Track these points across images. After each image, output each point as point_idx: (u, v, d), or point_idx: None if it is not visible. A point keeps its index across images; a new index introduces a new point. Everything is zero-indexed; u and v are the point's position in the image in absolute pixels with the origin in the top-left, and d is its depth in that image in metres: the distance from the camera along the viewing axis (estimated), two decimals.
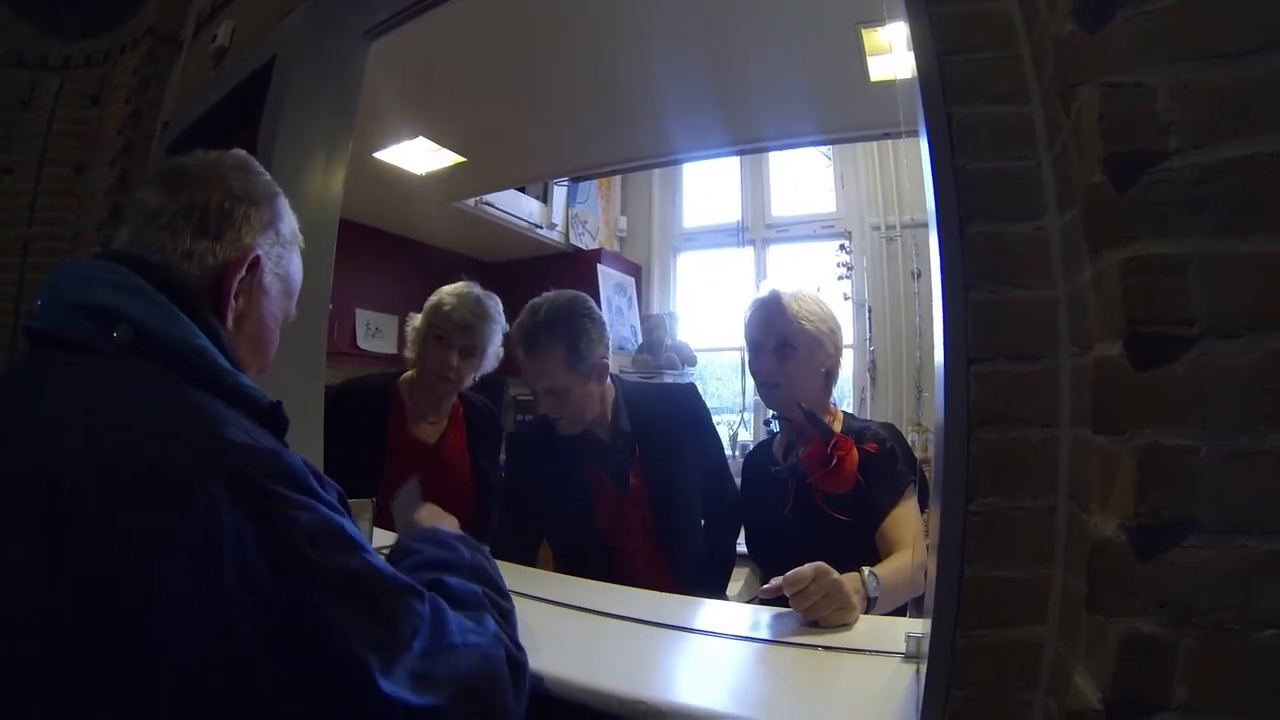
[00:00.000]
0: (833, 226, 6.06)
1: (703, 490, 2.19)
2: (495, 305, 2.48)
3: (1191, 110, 0.68)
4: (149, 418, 0.77)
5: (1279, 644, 0.62)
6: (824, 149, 6.01)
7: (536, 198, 5.99)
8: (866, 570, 1.51)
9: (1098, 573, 0.71)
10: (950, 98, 0.94)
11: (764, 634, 1.39)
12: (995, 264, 0.88)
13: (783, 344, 1.96)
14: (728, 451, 2.52)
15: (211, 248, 0.93)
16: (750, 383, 2.09)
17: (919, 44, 0.98)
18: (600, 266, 6.24)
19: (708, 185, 7.00)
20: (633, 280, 6.71)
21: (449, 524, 1.73)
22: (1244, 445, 0.64)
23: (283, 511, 0.74)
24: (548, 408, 2.05)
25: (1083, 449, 0.78)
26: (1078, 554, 0.76)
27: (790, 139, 4.12)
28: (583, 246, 6.45)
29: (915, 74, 0.99)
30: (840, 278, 5.66)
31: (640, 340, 6.01)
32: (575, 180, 6.11)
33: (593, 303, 2.10)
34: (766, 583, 1.44)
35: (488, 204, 5.37)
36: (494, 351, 2.49)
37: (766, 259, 6.45)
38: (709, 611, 1.58)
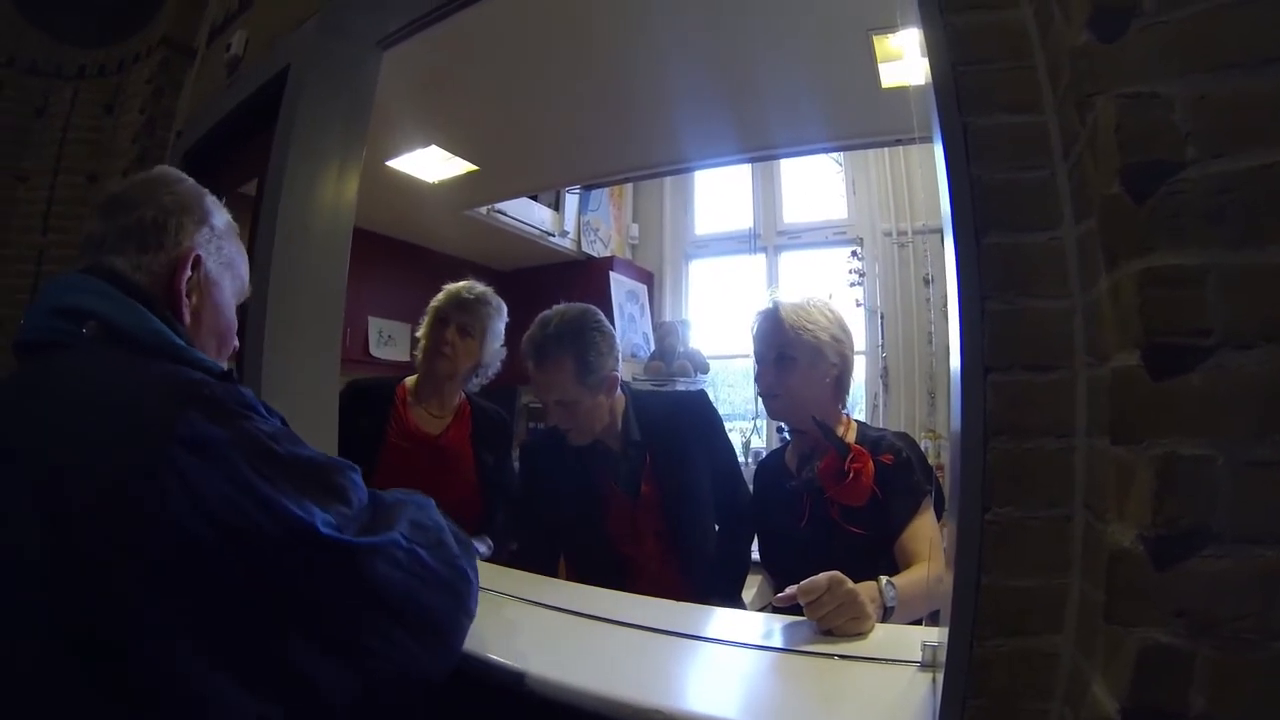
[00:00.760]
0: (844, 233, 6.05)
1: (715, 497, 2.19)
2: (495, 297, 2.54)
3: (1209, 120, 0.68)
4: (121, 384, 0.88)
5: None
6: (835, 155, 6.00)
7: (548, 206, 6.00)
8: (884, 579, 1.51)
9: (1115, 582, 0.71)
10: (965, 107, 0.94)
11: (778, 642, 1.38)
12: (1011, 274, 0.88)
13: (781, 356, 1.96)
14: (740, 458, 2.52)
15: (155, 258, 1.05)
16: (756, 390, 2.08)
17: (934, 54, 0.98)
18: (612, 274, 6.24)
19: (719, 192, 7.00)
20: (645, 288, 6.71)
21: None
22: (1261, 455, 0.64)
23: (249, 421, 0.88)
24: (557, 419, 2.10)
25: (1099, 459, 0.78)
26: (1095, 564, 0.76)
27: (802, 146, 4.11)
28: (594, 254, 6.46)
29: (930, 83, 0.99)
30: (852, 284, 5.65)
31: (652, 348, 6.01)
32: (587, 188, 6.12)
33: (602, 316, 2.14)
34: (780, 592, 1.43)
35: (500, 212, 5.39)
36: (494, 340, 2.53)
37: (778, 266, 6.44)
38: (723, 620, 1.58)
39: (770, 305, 2.01)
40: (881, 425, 2.27)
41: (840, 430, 1.91)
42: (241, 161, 2.79)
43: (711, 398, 2.44)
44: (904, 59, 2.81)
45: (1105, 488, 0.75)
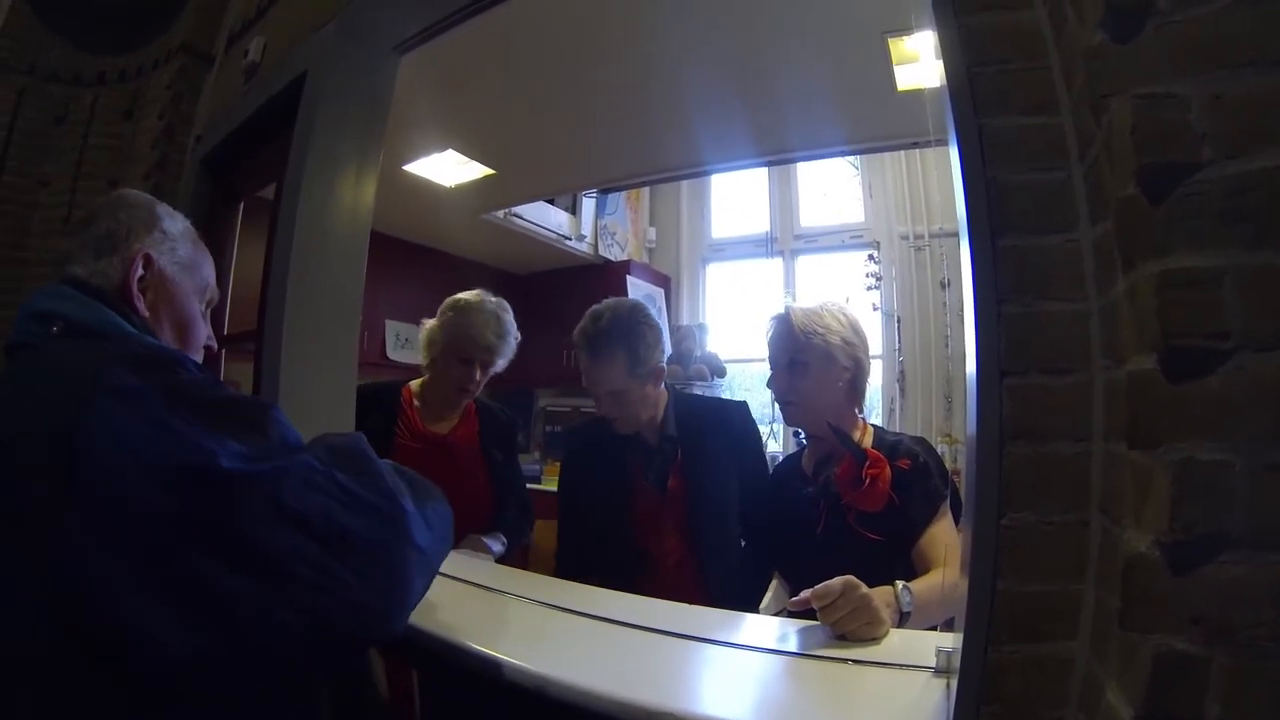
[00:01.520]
0: (861, 236, 6.05)
1: (742, 507, 2.20)
2: (510, 317, 2.53)
3: (1225, 121, 0.68)
4: (72, 361, 0.98)
5: None
6: (851, 159, 6.00)
7: (565, 209, 6.02)
8: (900, 584, 1.50)
9: (1131, 588, 0.70)
10: (981, 109, 0.94)
11: (792, 646, 1.38)
12: (1027, 277, 0.88)
13: (793, 361, 1.97)
14: None
15: (109, 261, 1.16)
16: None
17: (948, 55, 0.98)
18: (629, 278, 6.26)
19: (736, 196, 7.02)
20: (662, 291, 6.72)
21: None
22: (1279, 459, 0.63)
23: (173, 374, 0.96)
24: (607, 408, 2.19)
25: (1116, 463, 0.77)
26: (1110, 569, 0.76)
27: (818, 149, 4.12)
28: (611, 258, 6.47)
29: (945, 85, 0.99)
30: (869, 288, 5.65)
31: (669, 351, 6.00)
32: (604, 192, 6.14)
33: (651, 311, 2.23)
34: (796, 596, 1.43)
35: (516, 216, 5.41)
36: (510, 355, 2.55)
37: (795, 269, 6.45)
38: (736, 623, 1.57)
39: (783, 311, 2.01)
40: (898, 429, 2.25)
41: (857, 435, 1.90)
42: (260, 166, 2.81)
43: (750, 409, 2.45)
44: (919, 61, 2.80)
45: (1122, 492, 0.74)
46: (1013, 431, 0.86)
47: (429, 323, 2.52)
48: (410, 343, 5.59)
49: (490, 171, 4.33)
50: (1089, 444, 0.84)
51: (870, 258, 5.77)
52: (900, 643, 1.36)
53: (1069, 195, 0.89)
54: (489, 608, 1.64)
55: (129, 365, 0.92)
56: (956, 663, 0.96)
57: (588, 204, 6.25)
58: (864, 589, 1.39)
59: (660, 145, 4.04)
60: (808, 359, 1.93)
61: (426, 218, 5.18)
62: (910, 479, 1.79)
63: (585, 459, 2.37)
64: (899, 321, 5.60)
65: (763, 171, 6.58)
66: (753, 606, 2.14)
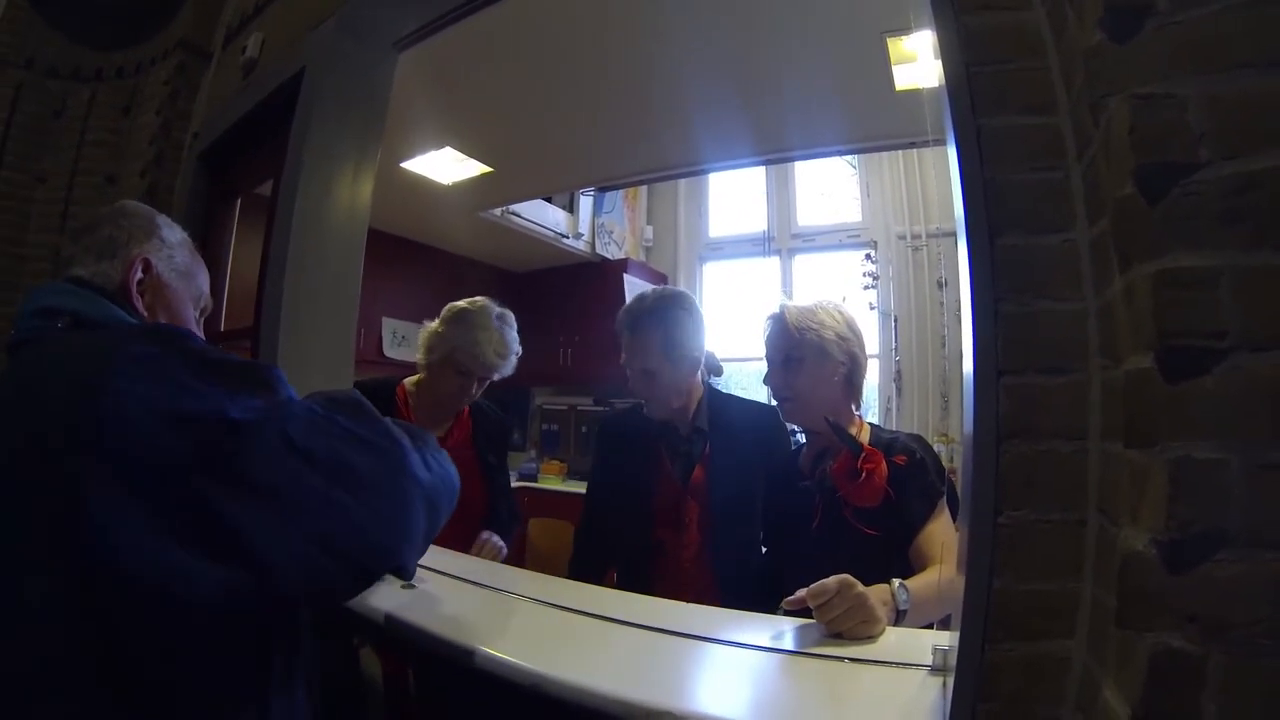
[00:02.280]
0: (858, 236, 6.05)
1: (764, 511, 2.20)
2: (514, 333, 2.50)
3: (1223, 121, 0.68)
4: (92, 341, 1.04)
5: None
6: (849, 158, 6.00)
7: (563, 208, 6.02)
8: (897, 582, 1.50)
9: (1127, 587, 0.70)
10: (979, 109, 0.94)
11: (788, 645, 1.38)
12: (1025, 276, 0.88)
13: (788, 358, 1.97)
14: None
15: (111, 264, 1.22)
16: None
17: (947, 55, 0.98)
18: (626, 276, 6.26)
19: (733, 195, 7.01)
20: None
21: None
22: (1276, 458, 0.63)
23: (183, 341, 1.02)
24: (638, 386, 2.24)
25: (1113, 462, 0.78)
26: (1107, 568, 0.76)
27: (815, 148, 4.12)
28: (609, 256, 6.47)
29: (943, 85, 0.99)
30: (866, 287, 5.65)
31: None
32: (601, 190, 6.14)
33: (695, 302, 2.31)
34: (792, 595, 1.43)
35: (514, 214, 5.41)
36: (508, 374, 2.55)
37: (792, 269, 6.45)
38: (733, 622, 1.57)
39: (777, 309, 2.02)
40: (895, 429, 2.26)
41: (853, 431, 1.90)
42: (257, 163, 2.81)
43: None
44: (918, 61, 2.81)
45: (1118, 491, 0.75)
46: (1009, 430, 0.86)
47: (431, 325, 2.48)
48: (407, 340, 5.59)
49: (488, 169, 4.33)
50: (1086, 443, 0.84)
51: (867, 257, 5.77)
52: (896, 641, 1.36)
53: (1066, 195, 0.89)
54: (487, 605, 1.64)
55: (144, 337, 1.01)
56: (953, 661, 0.97)
57: (585, 202, 6.25)
58: (859, 587, 1.39)
59: (658, 144, 4.04)
60: (803, 355, 1.94)
61: (424, 215, 5.18)
62: (907, 475, 1.79)
63: (618, 442, 2.42)
64: (896, 321, 5.61)
65: (760, 170, 6.59)
66: (768, 609, 2.15)
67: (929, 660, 1.19)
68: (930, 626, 1.52)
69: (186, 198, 3.13)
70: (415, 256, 5.89)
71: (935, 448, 1.94)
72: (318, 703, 1.18)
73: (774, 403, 2.09)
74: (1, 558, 0.90)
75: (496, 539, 2.36)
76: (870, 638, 1.37)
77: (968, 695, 0.86)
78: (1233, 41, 0.68)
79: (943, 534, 1.72)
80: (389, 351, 5.58)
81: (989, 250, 0.90)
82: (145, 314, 1.23)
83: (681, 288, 6.73)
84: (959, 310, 0.98)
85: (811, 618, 1.41)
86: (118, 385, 0.90)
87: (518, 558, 2.78)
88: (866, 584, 1.42)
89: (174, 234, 1.35)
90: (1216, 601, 0.64)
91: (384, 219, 5.14)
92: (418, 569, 1.76)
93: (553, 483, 6.29)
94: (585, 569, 2.28)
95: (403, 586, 1.63)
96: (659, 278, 6.84)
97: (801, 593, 1.39)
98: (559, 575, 2.03)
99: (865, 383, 2.03)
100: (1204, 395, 0.66)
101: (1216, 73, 0.68)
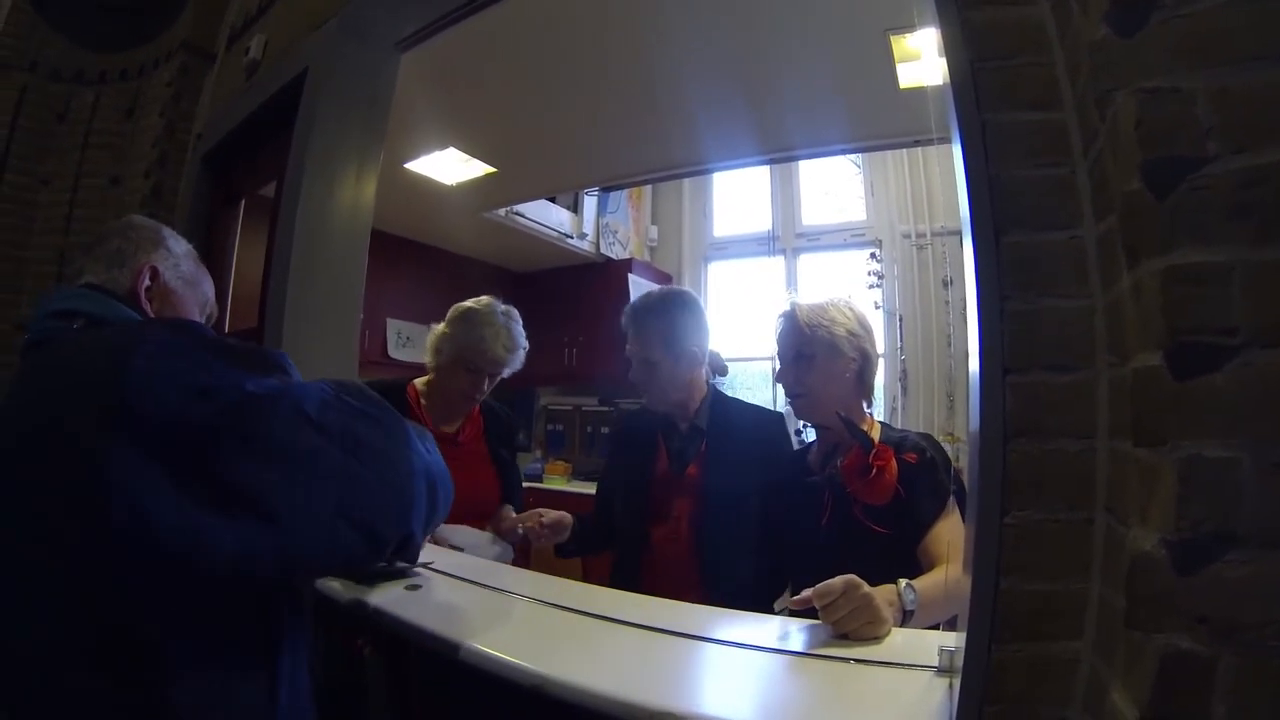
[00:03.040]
0: (863, 235, 6.04)
1: (763, 521, 2.20)
2: (520, 328, 2.54)
3: (1231, 114, 0.67)
4: (113, 333, 1.10)
5: None
6: (854, 157, 5.99)
7: (567, 208, 6.02)
8: (904, 582, 1.49)
9: (1136, 587, 0.70)
10: (984, 105, 0.93)
11: (793, 646, 1.37)
12: (1031, 273, 0.87)
13: (799, 355, 1.99)
14: None
15: (120, 271, 1.29)
16: (781, 392, 2.12)
17: (951, 51, 0.97)
18: (631, 276, 6.25)
19: (738, 195, 7.00)
20: None
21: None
22: None
23: (200, 330, 1.11)
24: (638, 376, 2.32)
25: (1121, 461, 0.77)
26: (1115, 568, 0.75)
27: (820, 147, 4.11)
28: (613, 256, 6.47)
29: (947, 81, 0.98)
30: (871, 286, 5.64)
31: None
32: (606, 190, 6.13)
33: (698, 301, 2.41)
34: (798, 594, 1.42)
35: (518, 214, 5.41)
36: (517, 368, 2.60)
37: (797, 268, 6.43)
38: (738, 623, 1.57)
39: (788, 307, 2.03)
40: (902, 428, 2.27)
41: (864, 428, 1.90)
42: (260, 164, 2.81)
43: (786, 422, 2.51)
44: (921, 59, 2.80)
45: (1127, 490, 0.74)
46: (1016, 429, 0.86)
47: (438, 328, 2.51)
48: (412, 341, 5.59)
49: (492, 169, 4.33)
50: (1093, 441, 0.84)
51: (872, 256, 5.76)
52: (902, 642, 1.36)
53: (1073, 191, 0.88)
54: (489, 605, 1.63)
55: (165, 326, 1.13)
56: (959, 662, 0.96)
57: (589, 202, 6.25)
58: (865, 588, 1.38)
59: (662, 143, 4.04)
60: (814, 351, 1.95)
61: (428, 216, 5.18)
62: (917, 474, 1.79)
63: (628, 436, 2.51)
64: (901, 320, 5.59)
65: (764, 170, 6.58)
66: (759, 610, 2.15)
67: (935, 661, 1.19)
68: (937, 627, 1.51)
69: (190, 199, 3.14)
70: (419, 257, 5.89)
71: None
72: (320, 686, 1.22)
73: (785, 402, 2.10)
74: (18, 539, 0.96)
75: (511, 511, 2.47)
76: (876, 638, 1.36)
77: (974, 696, 0.85)
78: (1240, 34, 0.67)
79: (950, 533, 1.72)
80: (394, 353, 5.58)
81: (995, 247, 0.89)
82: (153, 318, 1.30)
83: (686, 287, 6.80)
84: (964, 309, 0.98)
85: (817, 618, 1.41)
86: (141, 363, 0.95)
87: (522, 558, 2.78)
88: (875, 582, 1.42)
89: (179, 245, 1.42)
90: (1227, 602, 0.63)
91: (388, 220, 5.14)
92: (419, 570, 1.76)
93: (557, 483, 6.28)
94: (576, 542, 2.36)
95: (406, 588, 1.63)
96: (664, 277, 6.83)
97: (807, 593, 1.38)
98: (563, 576, 2.03)
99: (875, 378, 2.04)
100: (1214, 393, 0.65)
101: (1224, 65, 0.68)
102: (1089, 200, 0.86)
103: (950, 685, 1.10)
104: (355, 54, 2.39)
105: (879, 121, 3.56)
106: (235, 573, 0.95)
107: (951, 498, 1.78)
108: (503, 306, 2.53)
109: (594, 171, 4.74)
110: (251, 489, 0.95)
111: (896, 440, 1.88)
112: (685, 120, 3.69)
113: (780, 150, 4.04)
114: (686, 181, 6.89)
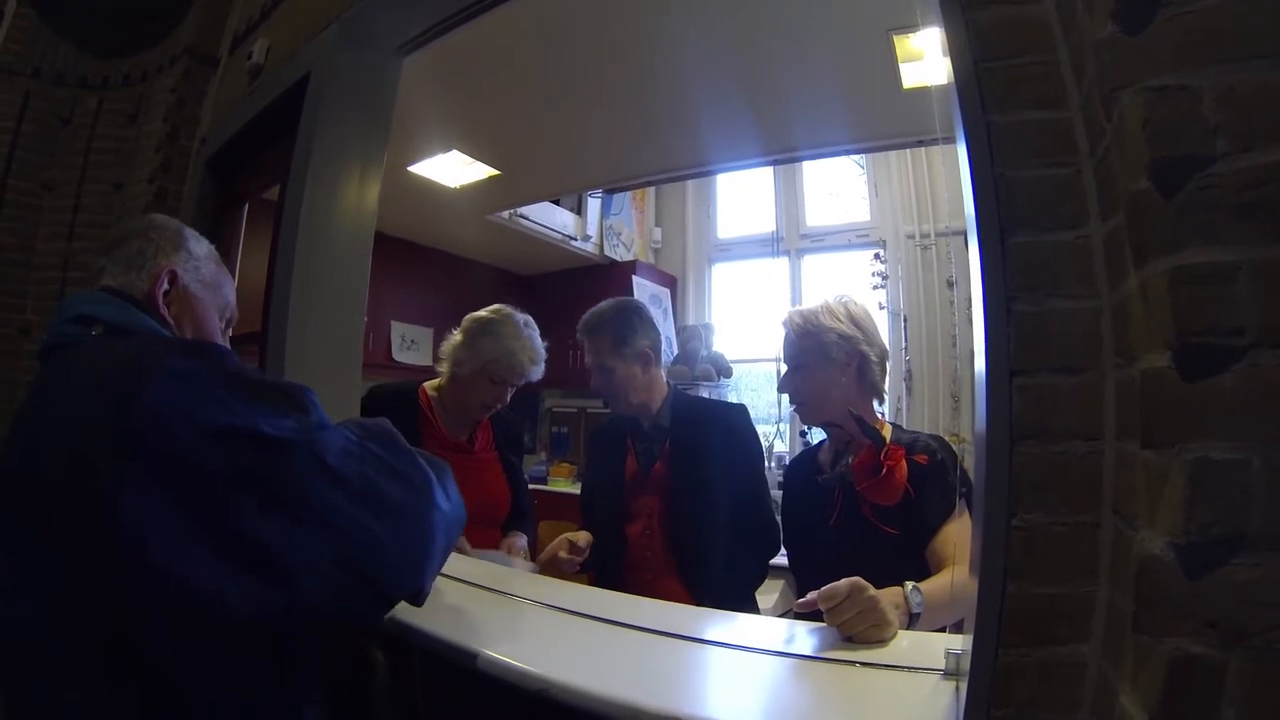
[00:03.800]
0: (867, 236, 6.02)
1: (732, 510, 2.28)
2: (538, 335, 2.59)
3: (1238, 112, 0.66)
4: (125, 352, 1.08)
5: None
6: (857, 158, 5.98)
7: (570, 210, 6.02)
8: (910, 585, 1.49)
9: (1144, 591, 0.69)
10: (989, 105, 0.92)
11: (799, 649, 1.37)
12: (1037, 274, 0.87)
13: (795, 365, 2.02)
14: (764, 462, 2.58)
15: (139, 274, 1.28)
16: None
17: (956, 51, 0.97)
18: (635, 278, 6.25)
19: (742, 196, 6.99)
20: (668, 291, 6.71)
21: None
22: None
23: (221, 360, 1.06)
24: (597, 384, 2.44)
25: (1128, 463, 0.76)
26: (1123, 571, 0.74)
27: (823, 148, 4.10)
28: (617, 258, 6.46)
29: (952, 81, 0.98)
30: (875, 287, 5.63)
31: (676, 351, 5.99)
32: (609, 192, 6.13)
33: (643, 306, 2.55)
34: (804, 596, 1.42)
35: (522, 216, 5.40)
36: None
37: (801, 269, 6.42)
38: (743, 626, 1.56)
39: (786, 317, 2.06)
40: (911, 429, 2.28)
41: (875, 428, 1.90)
42: (264, 168, 2.82)
43: (750, 415, 2.58)
44: (925, 59, 2.79)
45: (1135, 493, 0.73)
46: (1023, 431, 0.85)
47: (455, 338, 2.53)
48: (416, 344, 5.59)
49: (495, 172, 4.32)
50: (1100, 443, 0.83)
51: (876, 257, 5.75)
52: (909, 645, 1.35)
53: (1079, 191, 0.88)
54: (494, 610, 1.63)
55: (182, 351, 1.08)
56: (966, 665, 0.95)
57: (593, 204, 6.24)
58: (871, 590, 1.38)
59: (665, 145, 4.03)
60: (806, 360, 1.98)
61: (431, 219, 5.18)
62: (927, 475, 1.79)
63: (602, 442, 2.64)
64: (905, 321, 5.58)
65: (768, 171, 6.55)
66: (734, 605, 2.15)
67: (942, 665, 1.18)
68: (943, 630, 1.51)
69: (194, 204, 3.14)
70: (423, 260, 5.89)
71: None
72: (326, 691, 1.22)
73: (790, 408, 2.13)
74: (28, 548, 0.96)
75: (523, 542, 2.52)
76: (882, 641, 1.36)
77: (981, 701, 0.84)
78: (1247, 32, 0.67)
79: (958, 536, 1.71)
80: (398, 356, 5.58)
81: (1000, 248, 0.88)
82: (172, 323, 1.29)
83: (689, 289, 6.80)
84: (969, 309, 0.97)
85: (823, 620, 1.40)
86: (155, 396, 0.93)
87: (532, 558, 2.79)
88: (882, 583, 1.41)
89: (201, 246, 1.42)
90: (1236, 606, 0.63)
91: (391, 223, 5.15)
92: None
93: (562, 485, 6.28)
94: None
95: None
96: (667, 279, 6.83)
97: (813, 595, 1.38)
98: (568, 579, 2.03)
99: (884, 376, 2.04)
100: (1222, 394, 0.64)
101: (1231, 63, 0.67)
102: (1095, 200, 0.86)
103: (957, 689, 1.09)
104: (357, 58, 2.39)
105: (882, 122, 3.55)
106: (240, 618, 0.93)
107: (961, 500, 1.78)
108: (522, 316, 2.57)
109: (597, 173, 4.73)
110: (261, 544, 0.93)
111: (908, 441, 1.88)
112: (688, 121, 3.69)
113: (783, 151, 4.02)
114: (690, 183, 6.89)
